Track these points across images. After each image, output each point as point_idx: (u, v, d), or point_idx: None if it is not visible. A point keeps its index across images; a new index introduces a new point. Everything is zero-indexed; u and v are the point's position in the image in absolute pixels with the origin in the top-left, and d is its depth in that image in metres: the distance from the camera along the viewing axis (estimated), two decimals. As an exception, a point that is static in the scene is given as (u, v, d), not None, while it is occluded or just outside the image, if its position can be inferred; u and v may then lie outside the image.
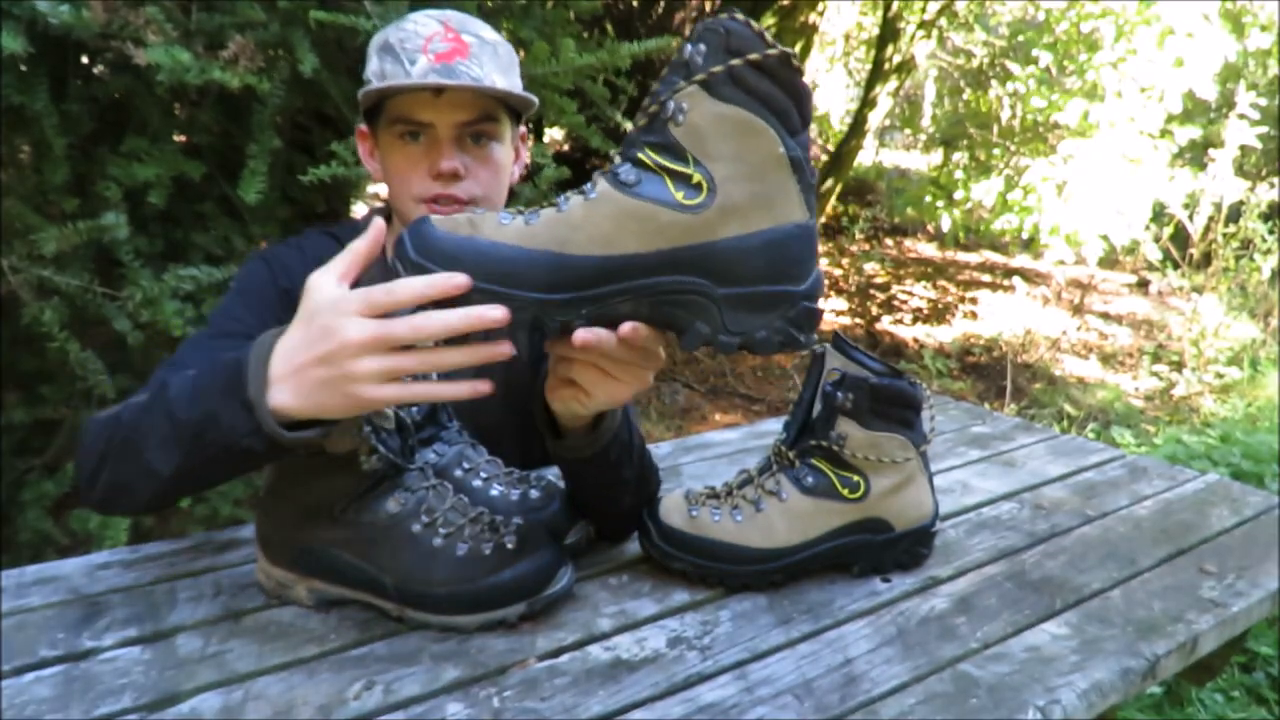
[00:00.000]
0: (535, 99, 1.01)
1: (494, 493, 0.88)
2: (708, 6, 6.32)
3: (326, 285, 0.66)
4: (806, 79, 0.65)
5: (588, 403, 0.75)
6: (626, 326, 0.65)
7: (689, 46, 0.63)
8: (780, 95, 0.63)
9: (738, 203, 0.63)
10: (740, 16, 0.62)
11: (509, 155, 1.03)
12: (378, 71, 0.94)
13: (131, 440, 0.75)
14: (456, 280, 0.61)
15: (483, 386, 0.66)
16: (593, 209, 0.63)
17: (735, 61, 0.61)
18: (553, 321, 0.63)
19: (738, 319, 0.65)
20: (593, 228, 0.63)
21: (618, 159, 0.65)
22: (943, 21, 5.87)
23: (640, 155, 0.63)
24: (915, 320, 5.31)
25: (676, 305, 0.65)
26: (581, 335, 0.64)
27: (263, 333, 0.71)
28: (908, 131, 9.02)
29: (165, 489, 0.77)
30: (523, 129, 1.08)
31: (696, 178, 0.63)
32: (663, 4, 6.24)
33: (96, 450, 0.78)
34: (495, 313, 0.61)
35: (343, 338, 0.64)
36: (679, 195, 0.63)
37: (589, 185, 0.65)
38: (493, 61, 0.94)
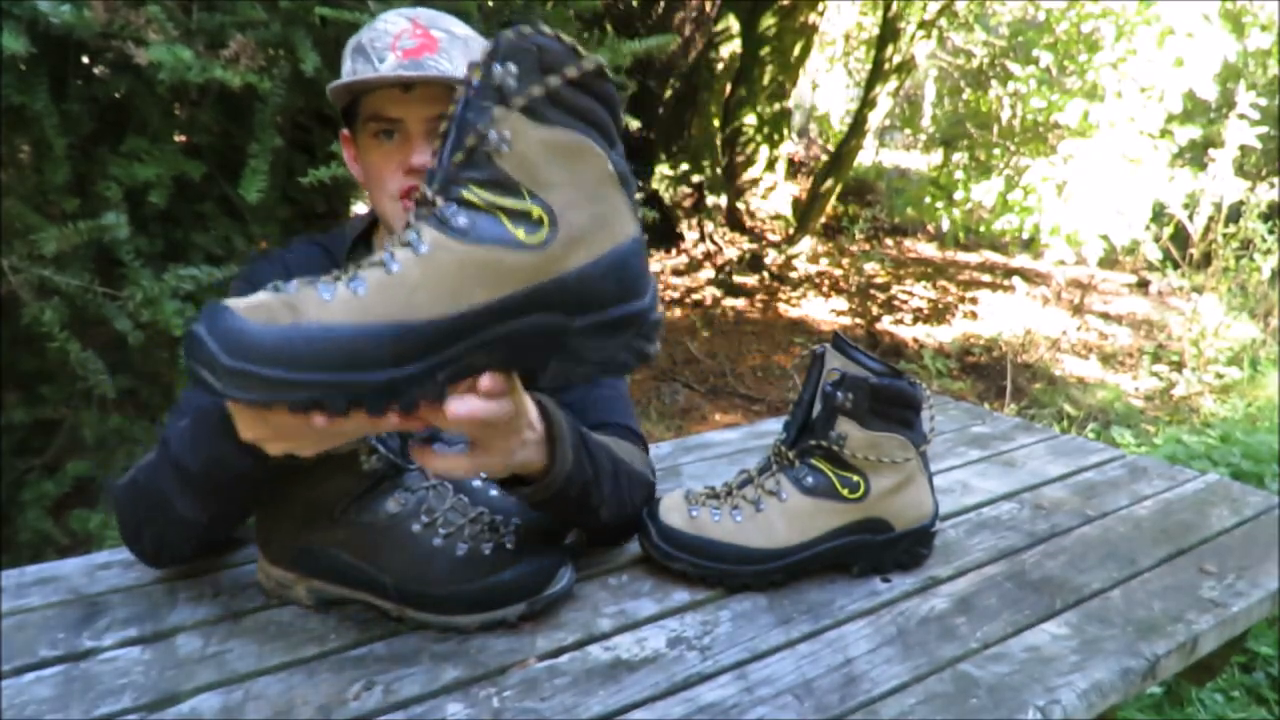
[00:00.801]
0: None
1: (494, 492, 0.88)
2: (707, 7, 6.32)
3: None
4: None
5: (472, 471, 0.71)
6: (485, 381, 0.61)
7: (496, 67, 0.57)
8: (599, 109, 0.60)
9: (581, 230, 0.59)
10: (545, 29, 0.57)
11: None
12: (350, 72, 0.94)
13: (156, 501, 0.78)
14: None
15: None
16: (429, 265, 0.57)
17: (554, 81, 0.57)
18: (408, 397, 0.57)
19: (595, 346, 0.62)
20: (434, 286, 0.57)
21: (439, 200, 0.58)
22: (943, 21, 5.87)
23: (467, 195, 0.58)
24: (915, 320, 5.31)
25: (530, 347, 0.61)
26: (454, 408, 0.60)
27: None
28: (908, 131, 9.02)
29: (209, 533, 0.83)
30: None
31: (536, 212, 0.58)
32: (663, 3, 6.24)
33: (131, 516, 0.82)
34: (391, 420, 0.59)
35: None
36: (520, 233, 0.58)
37: (413, 235, 0.58)
38: (463, 55, 0.93)
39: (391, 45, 0.91)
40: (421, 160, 0.94)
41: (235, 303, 0.55)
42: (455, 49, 0.93)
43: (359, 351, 0.55)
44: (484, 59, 0.58)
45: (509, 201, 0.58)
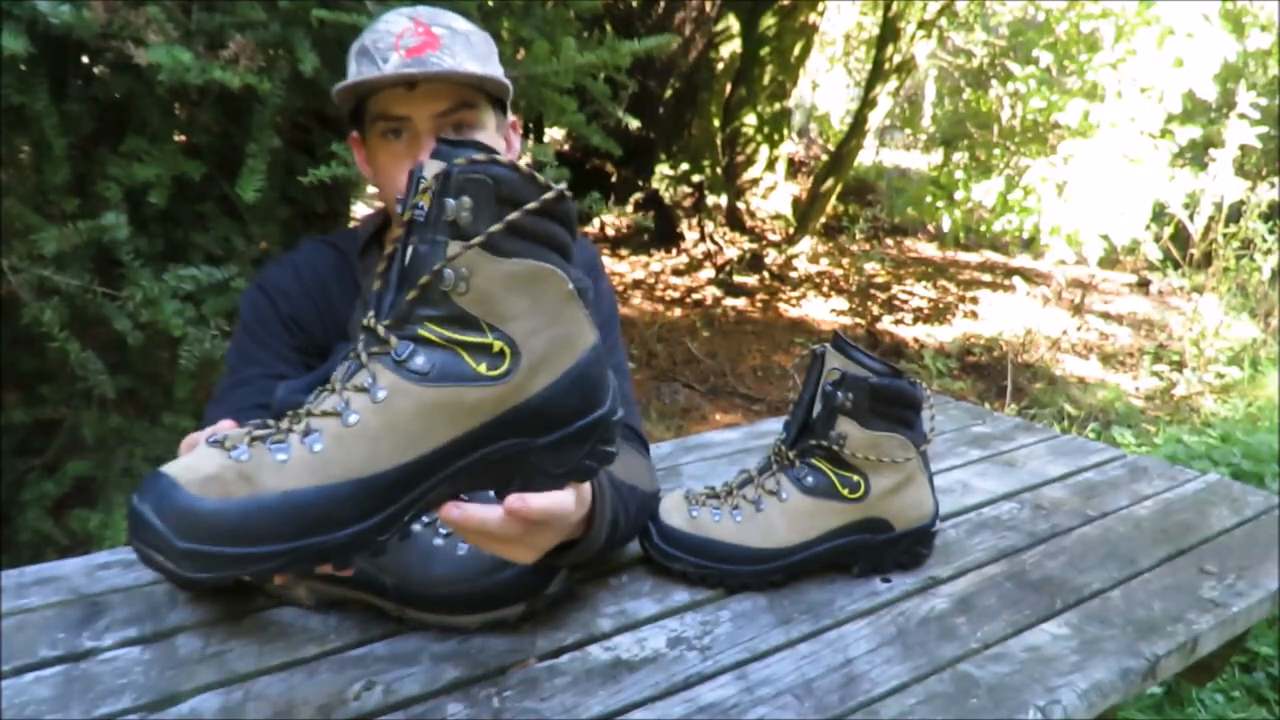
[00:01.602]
0: (508, 83, 0.99)
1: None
2: (707, 7, 6.32)
3: None
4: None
5: (516, 556, 0.67)
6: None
7: (449, 201, 0.54)
8: (558, 231, 0.59)
9: (543, 355, 0.58)
10: (500, 157, 0.55)
11: (496, 144, 1.02)
12: (354, 74, 0.94)
13: None
14: None
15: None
16: (389, 413, 0.55)
17: (515, 215, 0.55)
18: (376, 545, 0.56)
19: (559, 459, 0.61)
20: (395, 435, 0.55)
21: (393, 338, 0.56)
22: (943, 21, 5.87)
23: (423, 332, 0.56)
24: (915, 320, 5.31)
25: (495, 471, 0.60)
26: (451, 512, 0.59)
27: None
28: (908, 131, 9.02)
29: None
30: (513, 118, 1.07)
31: (497, 345, 0.57)
32: (663, 3, 6.24)
33: None
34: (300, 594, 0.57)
35: None
36: (481, 368, 0.57)
37: (367, 379, 0.55)
38: (466, 51, 0.94)
39: (394, 45, 0.91)
40: None
41: (182, 475, 0.51)
42: (457, 44, 0.93)
43: (323, 515, 0.53)
44: (434, 187, 0.55)
45: (469, 337, 0.56)
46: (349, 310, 1.02)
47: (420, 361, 0.55)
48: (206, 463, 0.52)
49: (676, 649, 0.78)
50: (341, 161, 1.57)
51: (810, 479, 0.89)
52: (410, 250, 0.56)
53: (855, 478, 0.89)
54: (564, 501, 0.62)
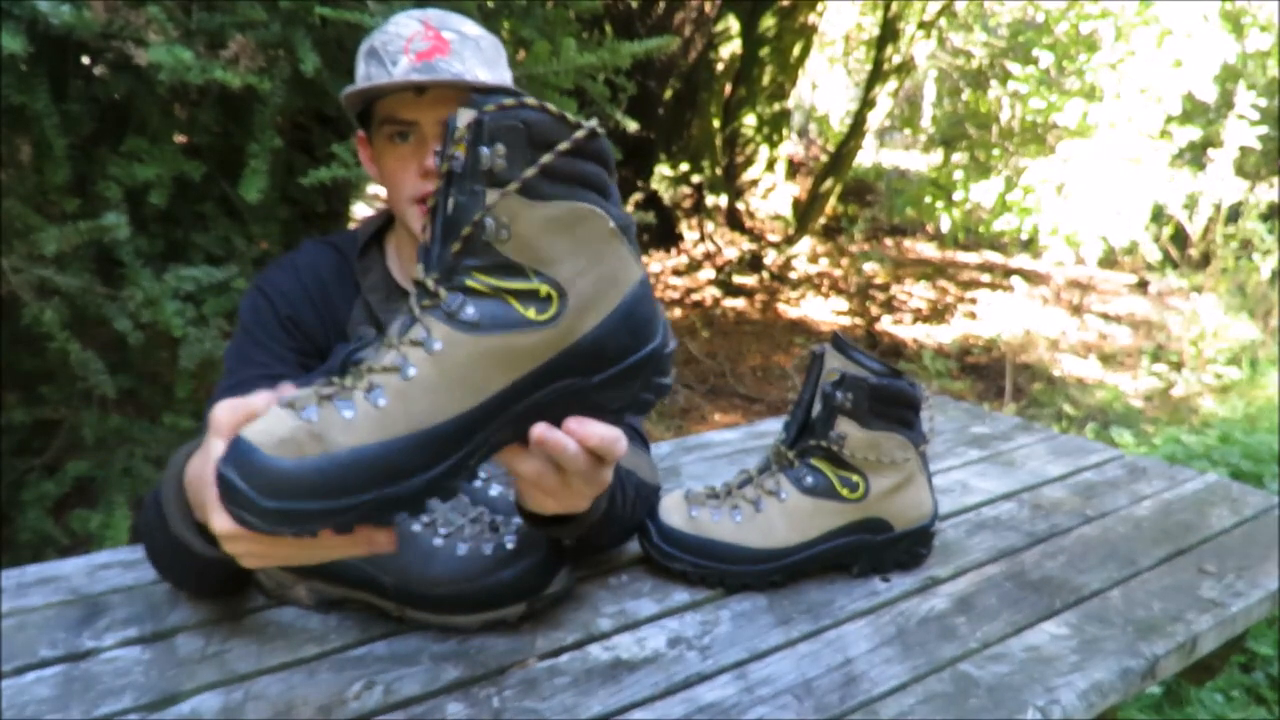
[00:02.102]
0: (519, 90, 1.00)
1: (494, 492, 0.88)
2: (707, 7, 6.32)
3: None
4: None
5: (554, 507, 0.69)
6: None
7: (483, 149, 0.55)
8: (596, 170, 0.59)
9: (590, 296, 0.59)
10: (529, 100, 0.55)
11: None
12: (364, 75, 0.95)
13: (154, 542, 0.79)
14: None
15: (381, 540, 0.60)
16: (445, 364, 0.56)
17: (548, 158, 0.56)
18: (445, 489, 0.58)
19: (615, 396, 0.62)
20: (453, 384, 0.57)
21: (441, 291, 0.57)
22: (943, 22, 5.87)
23: (471, 283, 0.57)
24: (915, 320, 5.31)
25: (553, 412, 0.60)
26: (540, 431, 0.59)
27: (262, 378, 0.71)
28: (908, 132, 9.01)
29: (205, 588, 0.83)
30: None
31: (544, 290, 0.58)
32: (663, 4, 6.24)
33: (144, 539, 0.82)
34: (383, 538, 0.58)
35: (219, 532, 0.59)
36: (530, 313, 0.57)
37: (422, 332, 0.57)
38: (475, 56, 0.94)
39: (404, 48, 0.92)
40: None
41: (259, 438, 0.54)
42: (467, 50, 0.94)
43: (392, 467, 0.55)
44: (468, 137, 0.55)
45: (515, 284, 0.57)
46: (348, 311, 1.03)
47: (470, 312, 0.57)
48: (280, 425, 0.54)
49: (676, 649, 0.78)
50: (342, 163, 1.57)
51: (810, 479, 0.89)
52: (450, 202, 0.56)
53: (855, 478, 0.89)
54: (619, 435, 0.62)
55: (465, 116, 0.56)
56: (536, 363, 0.58)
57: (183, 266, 1.60)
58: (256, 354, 0.99)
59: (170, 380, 1.74)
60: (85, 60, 1.66)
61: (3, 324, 1.63)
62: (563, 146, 0.56)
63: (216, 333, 1.60)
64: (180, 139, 1.73)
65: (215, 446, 0.59)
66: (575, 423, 0.60)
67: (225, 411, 0.60)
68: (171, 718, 0.67)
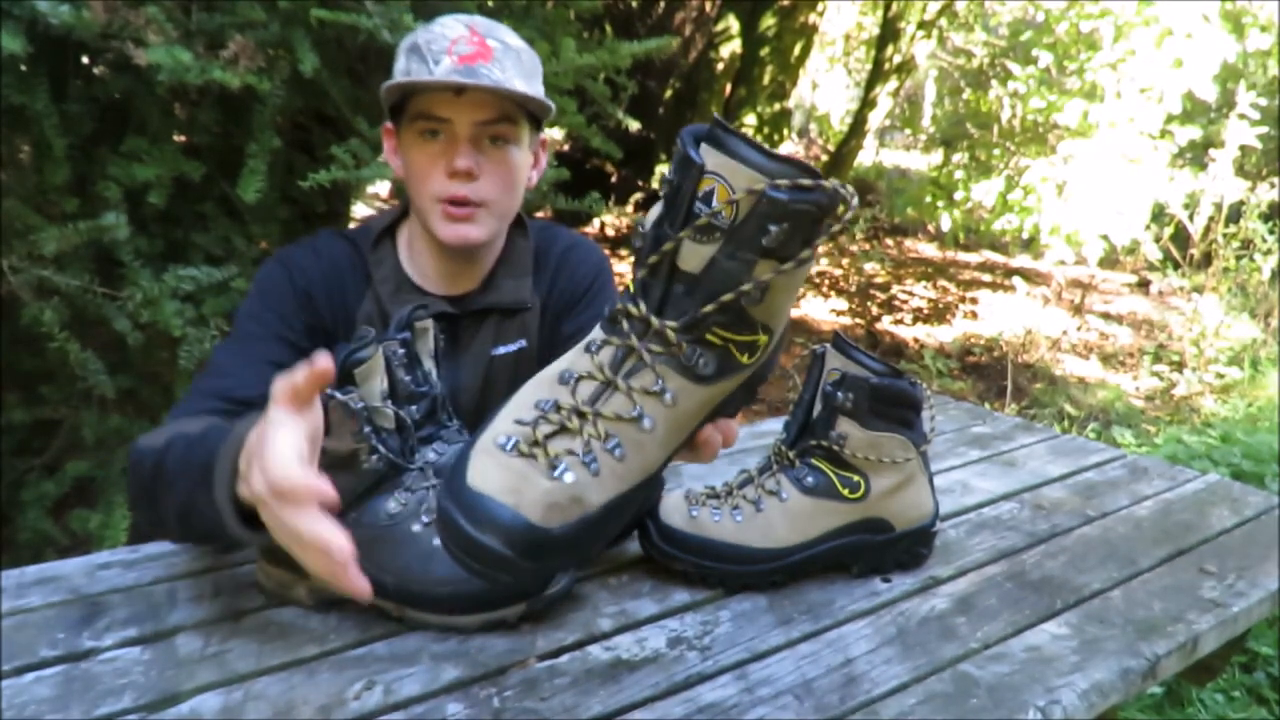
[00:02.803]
0: (553, 105, 1.03)
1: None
2: (707, 7, 6.32)
3: (290, 464, 0.63)
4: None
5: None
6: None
7: (772, 228, 0.54)
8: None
9: (781, 332, 0.63)
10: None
11: (526, 160, 1.05)
12: (404, 70, 0.97)
13: (148, 494, 0.79)
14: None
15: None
16: (677, 415, 0.60)
17: (824, 236, 0.58)
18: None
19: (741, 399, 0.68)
20: (678, 431, 0.61)
21: (684, 344, 0.59)
22: (943, 22, 5.87)
23: (709, 336, 0.59)
24: (915, 320, 5.31)
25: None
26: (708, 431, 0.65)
27: (265, 368, 0.73)
28: (908, 131, 9.01)
29: (187, 544, 0.86)
30: (545, 135, 1.10)
31: (762, 339, 0.61)
32: (663, 4, 6.24)
33: (134, 489, 0.83)
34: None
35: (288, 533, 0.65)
36: (744, 358, 0.61)
37: (657, 383, 0.60)
38: (515, 67, 0.97)
39: (448, 49, 0.94)
40: (465, 163, 0.97)
41: (515, 499, 0.55)
42: (509, 60, 0.96)
43: (626, 510, 0.60)
44: (750, 205, 0.54)
45: (744, 336, 0.59)
46: (359, 301, 1.05)
47: (707, 366, 0.59)
48: (533, 486, 0.56)
49: (676, 649, 0.78)
50: (341, 165, 1.57)
51: (810, 479, 0.89)
52: (709, 259, 0.56)
53: (855, 478, 0.89)
54: (737, 430, 0.70)
55: (739, 176, 0.54)
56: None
57: (182, 267, 1.60)
58: (267, 315, 1.00)
59: (170, 380, 1.74)
60: (85, 60, 1.66)
61: (3, 324, 1.63)
62: (837, 226, 0.56)
63: (216, 333, 1.60)
64: (180, 139, 1.74)
65: (276, 416, 0.63)
66: (723, 423, 0.64)
67: (288, 387, 0.64)
68: (171, 718, 0.67)
